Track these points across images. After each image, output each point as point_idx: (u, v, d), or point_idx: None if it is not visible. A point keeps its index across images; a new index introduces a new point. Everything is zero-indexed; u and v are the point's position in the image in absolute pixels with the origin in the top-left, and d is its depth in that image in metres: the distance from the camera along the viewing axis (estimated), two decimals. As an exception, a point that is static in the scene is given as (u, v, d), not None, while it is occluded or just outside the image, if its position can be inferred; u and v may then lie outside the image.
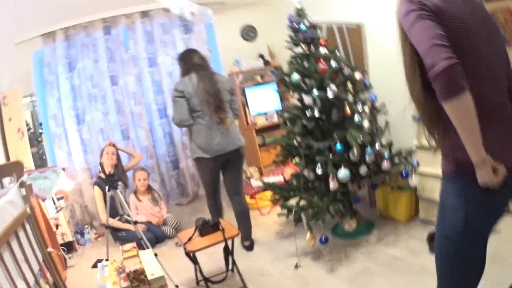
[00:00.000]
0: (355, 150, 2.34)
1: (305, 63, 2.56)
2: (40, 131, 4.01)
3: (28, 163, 3.42)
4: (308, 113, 2.50)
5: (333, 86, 2.41)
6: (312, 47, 2.56)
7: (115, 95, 4.05)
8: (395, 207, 2.77)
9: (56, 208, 3.31)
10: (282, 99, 4.30)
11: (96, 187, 3.38)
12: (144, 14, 4.16)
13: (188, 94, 2.54)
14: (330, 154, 2.41)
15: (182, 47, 4.15)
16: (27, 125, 3.67)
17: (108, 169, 3.32)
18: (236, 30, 4.36)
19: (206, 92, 2.54)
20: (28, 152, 3.46)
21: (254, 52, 4.32)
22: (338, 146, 2.36)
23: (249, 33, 4.37)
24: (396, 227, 2.71)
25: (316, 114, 2.45)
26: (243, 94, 4.13)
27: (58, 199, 3.45)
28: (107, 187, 2.46)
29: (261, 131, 4.12)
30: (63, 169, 3.72)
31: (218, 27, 4.26)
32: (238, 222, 2.79)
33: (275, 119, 4.16)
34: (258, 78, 4.24)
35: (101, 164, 3.02)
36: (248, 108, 4.13)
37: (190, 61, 2.65)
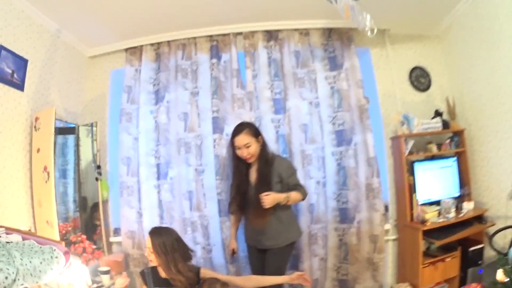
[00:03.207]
0: None
1: None
2: (97, 175, 2.72)
3: (51, 218, 2.11)
4: None
5: None
6: None
7: (217, 147, 2.74)
8: None
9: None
10: (463, 184, 2.80)
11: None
12: (271, 35, 2.88)
13: None
14: None
15: (327, 89, 2.80)
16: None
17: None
18: (403, 73, 2.94)
19: None
20: (51, 202, 2.13)
21: (426, 107, 2.88)
22: None
23: (419, 78, 2.94)
24: None
25: None
26: (411, 171, 2.67)
27: (102, 273, 2.26)
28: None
29: (428, 231, 2.61)
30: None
31: (377, 67, 2.88)
32: None
33: (452, 214, 2.65)
34: (433, 148, 2.77)
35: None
36: (415, 194, 2.65)
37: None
